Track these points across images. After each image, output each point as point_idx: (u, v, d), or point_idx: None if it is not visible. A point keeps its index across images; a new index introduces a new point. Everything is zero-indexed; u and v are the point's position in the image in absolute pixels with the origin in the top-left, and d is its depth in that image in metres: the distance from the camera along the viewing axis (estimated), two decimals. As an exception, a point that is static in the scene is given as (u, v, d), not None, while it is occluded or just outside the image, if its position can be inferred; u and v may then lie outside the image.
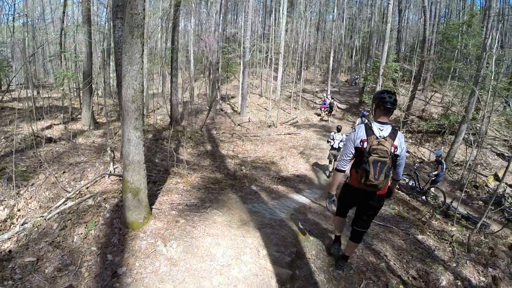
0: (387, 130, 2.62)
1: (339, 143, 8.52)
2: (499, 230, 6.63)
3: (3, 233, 3.81)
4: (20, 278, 2.99)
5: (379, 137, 2.57)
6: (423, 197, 8.50)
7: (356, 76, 29.18)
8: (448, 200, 8.86)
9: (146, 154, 4.79)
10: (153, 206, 4.20)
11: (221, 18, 20.90)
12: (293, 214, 4.90)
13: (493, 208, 9.40)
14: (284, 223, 4.29)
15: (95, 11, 16.34)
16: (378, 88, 16.49)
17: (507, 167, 11.62)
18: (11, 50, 18.07)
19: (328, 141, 8.80)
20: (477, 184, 10.73)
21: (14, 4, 24.23)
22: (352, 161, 2.78)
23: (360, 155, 2.63)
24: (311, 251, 3.67)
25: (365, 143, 2.59)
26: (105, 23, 15.21)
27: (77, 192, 4.60)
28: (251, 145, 11.67)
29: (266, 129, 14.47)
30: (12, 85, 15.09)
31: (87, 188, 4.76)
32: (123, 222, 3.71)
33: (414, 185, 9.14)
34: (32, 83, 11.89)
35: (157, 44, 17.89)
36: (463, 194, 7.45)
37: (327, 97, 17.99)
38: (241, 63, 18.44)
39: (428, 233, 5.62)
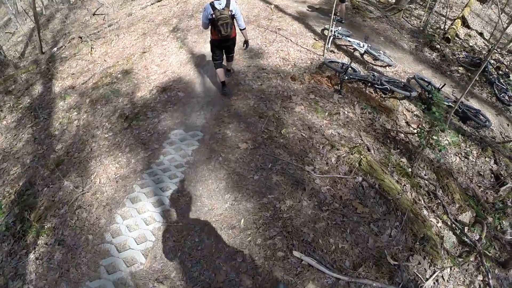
0: (223, 3, 4.08)
1: None
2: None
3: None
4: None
5: (219, 10, 4.04)
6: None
7: None
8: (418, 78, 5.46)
9: None
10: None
11: None
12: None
13: (478, 79, 6.71)
14: None
15: None
16: None
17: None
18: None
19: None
20: (448, 36, 7.76)
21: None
22: (210, 26, 4.27)
23: (213, 22, 4.14)
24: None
25: (213, 15, 4.06)
26: None
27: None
28: (102, 47, 7.30)
29: (127, 5, 9.05)
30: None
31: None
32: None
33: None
34: None
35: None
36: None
37: None
38: None
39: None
